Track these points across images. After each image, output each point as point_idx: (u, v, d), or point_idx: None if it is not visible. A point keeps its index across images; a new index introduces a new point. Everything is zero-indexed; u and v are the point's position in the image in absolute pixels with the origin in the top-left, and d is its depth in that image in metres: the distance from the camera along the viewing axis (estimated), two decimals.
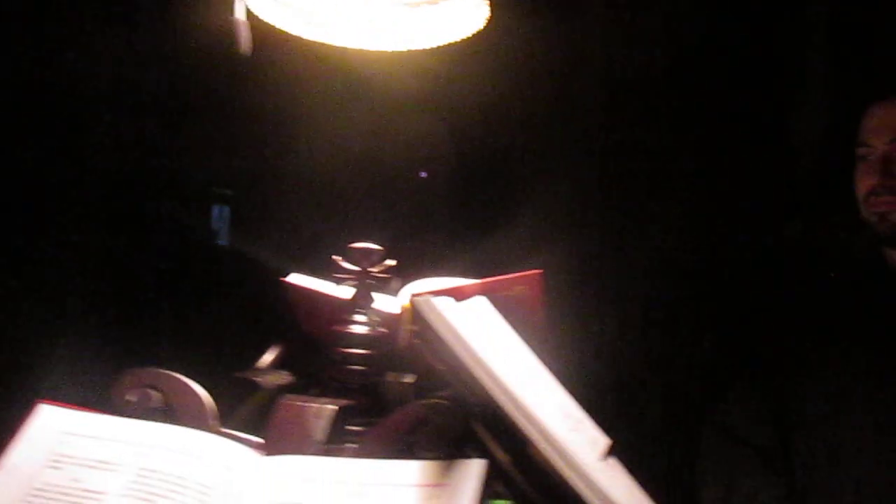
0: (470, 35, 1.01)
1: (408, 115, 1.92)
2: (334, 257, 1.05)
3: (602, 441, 1.07)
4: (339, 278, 1.04)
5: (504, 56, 1.91)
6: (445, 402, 0.82)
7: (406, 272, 1.18)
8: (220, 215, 2.84)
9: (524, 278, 1.14)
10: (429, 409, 0.82)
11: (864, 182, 1.42)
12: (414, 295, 0.87)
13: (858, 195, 1.44)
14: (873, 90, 1.50)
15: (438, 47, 1.07)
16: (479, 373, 0.78)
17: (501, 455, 0.84)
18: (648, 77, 2.10)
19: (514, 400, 0.78)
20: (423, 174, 2.45)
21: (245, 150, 2.17)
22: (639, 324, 2.15)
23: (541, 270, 1.13)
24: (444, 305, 0.83)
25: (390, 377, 1.13)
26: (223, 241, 2.78)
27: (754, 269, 2.11)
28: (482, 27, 1.00)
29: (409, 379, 1.13)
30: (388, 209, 1.81)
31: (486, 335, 0.99)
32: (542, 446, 0.76)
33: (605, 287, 2.25)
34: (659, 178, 2.22)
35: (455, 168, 1.97)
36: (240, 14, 1.06)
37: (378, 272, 1.04)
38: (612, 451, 1.07)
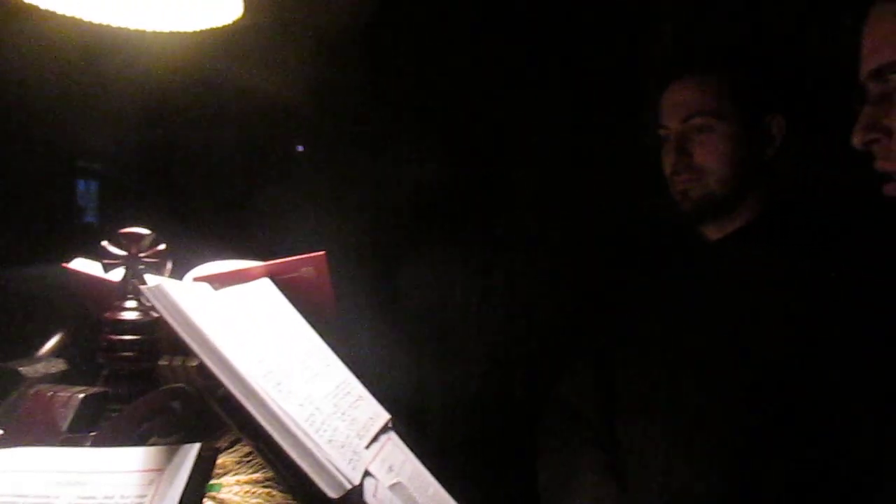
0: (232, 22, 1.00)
1: (192, 99, 1.88)
2: (103, 243, 1.04)
3: (382, 417, 1.10)
4: (108, 264, 1.03)
5: (271, 43, 1.89)
6: (185, 388, 0.83)
7: (197, 256, 1.17)
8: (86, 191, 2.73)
9: (309, 260, 1.15)
10: (168, 395, 0.83)
11: (666, 162, 1.44)
12: (195, 278, 0.86)
13: (665, 174, 1.46)
14: (667, 71, 1.51)
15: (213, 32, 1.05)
16: (211, 362, 0.78)
17: (248, 440, 0.85)
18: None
19: (244, 386, 0.79)
20: (300, 148, 2.43)
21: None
22: (477, 299, 2.19)
23: (324, 252, 1.14)
24: (184, 292, 0.83)
25: (174, 361, 1.13)
26: (91, 217, 2.67)
27: (606, 245, 2.16)
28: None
29: (193, 362, 1.13)
30: (178, 194, 1.78)
31: (251, 318, 0.99)
32: (270, 428, 0.78)
33: (459, 261, 2.28)
34: (508, 154, 2.25)
35: (245, 151, 1.95)
36: None
37: (147, 256, 1.03)
38: (391, 426, 1.11)
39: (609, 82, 2.14)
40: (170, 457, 0.75)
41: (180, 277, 1.14)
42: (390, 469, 1.01)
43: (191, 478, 0.72)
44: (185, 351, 1.13)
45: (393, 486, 0.94)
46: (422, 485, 1.05)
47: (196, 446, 0.75)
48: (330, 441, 0.84)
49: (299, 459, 0.78)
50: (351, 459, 0.85)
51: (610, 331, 1.53)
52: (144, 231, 1.04)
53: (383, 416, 1.10)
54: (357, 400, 1.08)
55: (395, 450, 1.09)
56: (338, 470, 0.81)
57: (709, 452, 1.28)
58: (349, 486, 0.80)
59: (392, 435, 1.11)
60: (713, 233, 1.44)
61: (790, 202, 1.42)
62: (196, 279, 1.12)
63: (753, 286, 1.34)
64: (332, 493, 0.76)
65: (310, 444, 0.80)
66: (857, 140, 0.95)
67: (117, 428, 0.83)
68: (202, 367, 0.82)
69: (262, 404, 0.79)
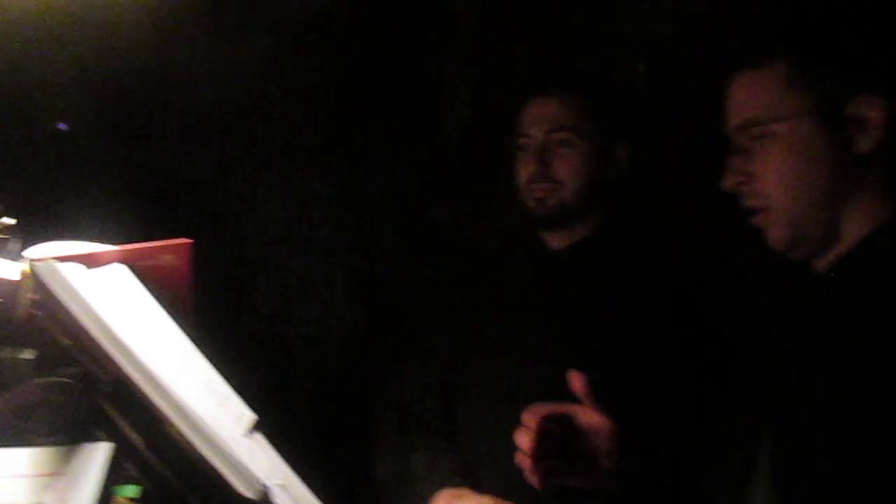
0: None
1: (43, 60, 1.67)
2: None
3: (247, 416, 1.05)
4: None
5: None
6: (65, 380, 0.73)
7: (35, 235, 1.03)
8: None
9: (171, 247, 1.06)
10: (45, 388, 0.72)
11: (525, 170, 1.49)
12: (36, 259, 0.75)
13: (520, 182, 1.51)
14: (528, 84, 1.60)
15: None
16: (108, 347, 0.70)
17: (134, 436, 0.77)
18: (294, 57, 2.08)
19: (148, 375, 0.72)
20: (62, 126, 2.17)
21: None
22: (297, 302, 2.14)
23: (191, 240, 1.06)
24: (71, 272, 0.74)
25: (2, 353, 0.99)
26: None
27: (405, 250, 2.21)
28: None
29: (27, 355, 0.99)
30: (16, 163, 1.55)
31: (122, 306, 0.90)
32: (179, 423, 0.71)
33: (264, 262, 2.21)
34: (317, 155, 2.22)
35: (100, 123, 1.76)
36: None
37: None
38: (258, 427, 1.06)
39: (407, 86, 2.20)
40: (68, 458, 0.65)
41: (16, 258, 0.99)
42: (269, 470, 0.96)
43: (98, 481, 0.63)
44: (15, 341, 1.00)
45: (282, 487, 0.89)
46: (294, 486, 1.01)
47: (104, 446, 0.66)
48: (233, 438, 0.79)
49: (213, 457, 0.72)
50: (252, 458, 0.81)
51: (449, 332, 1.59)
52: None
53: (249, 415, 1.04)
54: (224, 398, 1.01)
55: (263, 452, 1.04)
56: (245, 467, 0.76)
57: None
58: (261, 486, 0.75)
59: (258, 436, 1.05)
60: (557, 241, 1.53)
61: (627, 220, 1.57)
62: (43, 259, 0.98)
63: (591, 290, 1.47)
64: (250, 494, 0.72)
65: (219, 441, 0.74)
66: (727, 183, 1.08)
67: None
68: (90, 354, 0.73)
69: (167, 396, 0.72)
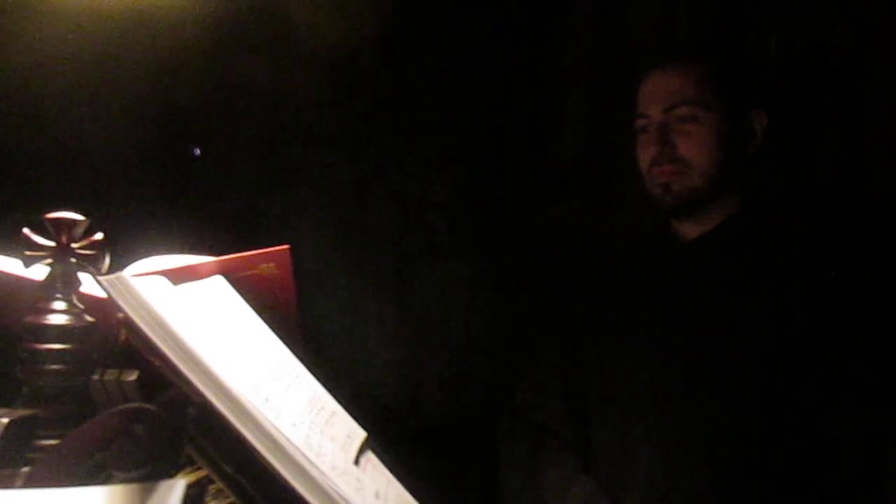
0: None
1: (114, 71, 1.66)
2: (25, 231, 0.84)
3: (358, 435, 0.96)
4: (31, 256, 0.84)
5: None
6: (148, 407, 0.66)
7: (128, 249, 0.99)
8: None
9: (270, 255, 0.99)
10: (128, 416, 0.66)
11: (645, 153, 1.35)
12: (106, 276, 0.69)
13: (642, 168, 1.37)
14: (642, 59, 1.46)
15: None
16: (185, 369, 0.63)
17: (227, 467, 0.69)
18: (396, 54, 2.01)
19: (234, 402, 0.64)
20: (197, 151, 2.19)
21: None
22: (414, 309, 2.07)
23: (288, 246, 0.99)
24: (148, 287, 0.67)
25: (108, 375, 0.95)
26: None
27: (528, 250, 2.10)
28: None
29: (130, 377, 0.95)
30: (96, 174, 1.55)
31: (216, 322, 0.83)
32: (268, 456, 0.63)
33: (377, 267, 2.15)
34: (425, 159, 2.15)
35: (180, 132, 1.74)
36: None
37: (81, 248, 0.85)
38: (370, 445, 0.97)
39: (521, 86, 2.09)
40: (143, 497, 0.58)
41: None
42: (377, 496, 0.87)
43: None
44: (122, 362, 0.95)
45: None
46: None
47: (180, 483, 0.59)
48: (333, 467, 0.70)
49: (306, 492, 0.63)
50: (358, 488, 0.71)
51: (578, 337, 1.45)
52: (77, 216, 0.85)
53: (360, 433, 0.96)
54: (332, 416, 0.93)
55: (377, 472, 0.95)
56: (347, 502, 0.66)
57: (694, 454, 1.22)
58: None
59: (371, 455, 0.97)
60: (689, 230, 1.37)
61: (766, 201, 1.38)
62: (136, 276, 0.94)
63: (734, 285, 1.29)
64: None
65: (315, 473, 0.65)
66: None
67: (59, 461, 0.65)
68: (176, 376, 0.66)
69: (256, 425, 0.64)
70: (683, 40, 1.51)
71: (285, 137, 1.79)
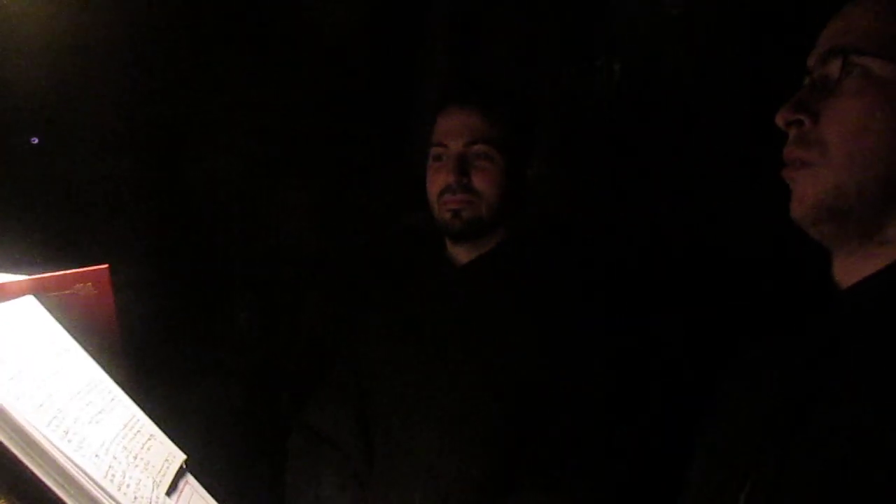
0: None
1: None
2: None
3: (177, 458, 0.95)
4: None
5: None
6: None
7: None
8: None
9: (88, 274, 0.97)
10: None
11: (438, 180, 1.46)
12: None
13: (431, 193, 1.49)
14: (447, 94, 1.56)
15: None
16: None
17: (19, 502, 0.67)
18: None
19: (19, 433, 0.62)
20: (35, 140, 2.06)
21: None
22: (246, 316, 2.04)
23: (107, 265, 0.97)
24: None
25: None
26: None
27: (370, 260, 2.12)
28: None
29: None
30: None
31: (20, 346, 0.80)
32: (57, 490, 0.62)
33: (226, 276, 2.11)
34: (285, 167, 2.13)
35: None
36: None
37: None
38: (188, 467, 0.97)
39: (375, 93, 2.12)
40: None
41: None
42: None
43: None
44: None
45: None
46: None
47: None
48: (135, 499, 0.69)
49: None
50: None
51: (358, 354, 1.56)
52: None
53: (178, 455, 0.95)
54: (148, 439, 0.92)
55: (196, 495, 0.95)
56: None
57: (467, 446, 1.36)
58: None
59: (189, 478, 0.96)
60: (463, 255, 1.50)
61: (529, 233, 1.52)
62: None
63: (499, 304, 1.44)
64: None
65: None
66: (780, 117, 0.85)
67: None
68: None
69: (49, 462, 0.63)
70: (483, 83, 1.64)
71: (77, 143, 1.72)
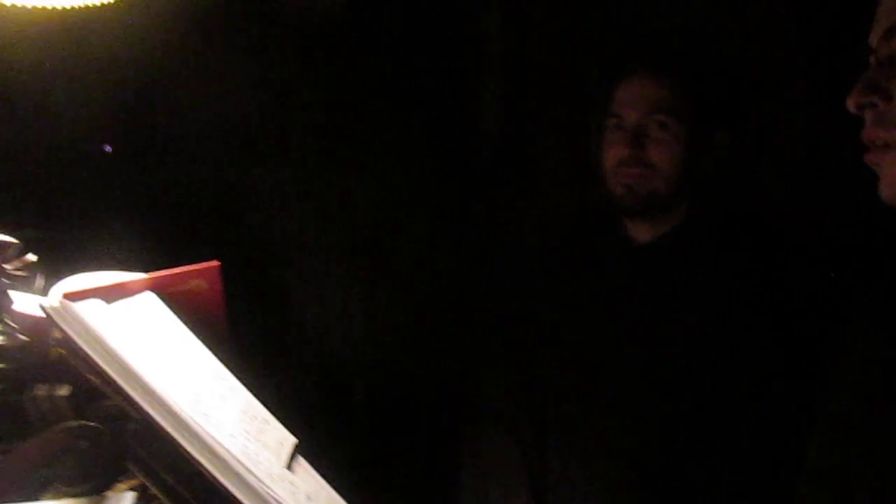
0: None
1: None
2: None
3: (289, 441, 1.01)
4: None
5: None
6: (92, 424, 0.70)
7: (57, 266, 1.01)
8: None
9: (200, 271, 1.03)
10: (71, 433, 0.69)
11: (614, 152, 1.38)
12: (47, 299, 0.72)
13: (606, 165, 1.40)
14: (621, 62, 1.44)
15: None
16: (128, 387, 0.67)
17: (168, 477, 0.73)
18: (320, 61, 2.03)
19: (174, 416, 0.68)
20: (108, 148, 2.16)
21: None
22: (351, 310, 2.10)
23: (218, 262, 1.03)
24: (87, 309, 0.70)
25: (40, 390, 0.97)
26: None
27: (452, 248, 2.14)
28: None
29: (63, 391, 0.97)
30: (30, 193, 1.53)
31: (150, 339, 0.87)
32: (208, 466, 0.67)
33: (308, 269, 2.17)
34: (349, 158, 2.18)
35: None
36: None
37: (14, 269, 0.87)
38: (300, 451, 1.02)
39: (438, 84, 2.13)
40: None
41: (44, 293, 0.97)
42: (309, 498, 0.92)
43: None
44: (52, 377, 0.97)
45: None
46: None
47: (129, 495, 0.63)
48: (269, 474, 0.75)
49: (246, 499, 0.68)
50: (292, 492, 0.77)
51: (526, 337, 1.51)
52: (8, 238, 0.87)
53: (290, 439, 1.01)
54: (264, 424, 0.98)
55: (307, 476, 1.00)
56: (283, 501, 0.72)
57: (648, 450, 1.31)
58: None
59: (301, 460, 1.02)
60: (643, 233, 1.42)
61: (715, 209, 1.42)
62: (67, 295, 0.96)
63: (688, 289, 1.35)
64: None
65: (253, 482, 0.70)
66: (851, 102, 0.84)
67: (4, 477, 0.68)
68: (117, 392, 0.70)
69: (197, 438, 0.69)
70: (661, 49, 1.49)
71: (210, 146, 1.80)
